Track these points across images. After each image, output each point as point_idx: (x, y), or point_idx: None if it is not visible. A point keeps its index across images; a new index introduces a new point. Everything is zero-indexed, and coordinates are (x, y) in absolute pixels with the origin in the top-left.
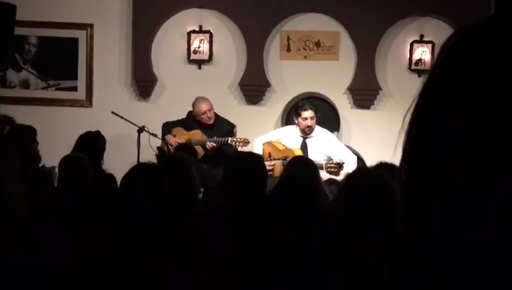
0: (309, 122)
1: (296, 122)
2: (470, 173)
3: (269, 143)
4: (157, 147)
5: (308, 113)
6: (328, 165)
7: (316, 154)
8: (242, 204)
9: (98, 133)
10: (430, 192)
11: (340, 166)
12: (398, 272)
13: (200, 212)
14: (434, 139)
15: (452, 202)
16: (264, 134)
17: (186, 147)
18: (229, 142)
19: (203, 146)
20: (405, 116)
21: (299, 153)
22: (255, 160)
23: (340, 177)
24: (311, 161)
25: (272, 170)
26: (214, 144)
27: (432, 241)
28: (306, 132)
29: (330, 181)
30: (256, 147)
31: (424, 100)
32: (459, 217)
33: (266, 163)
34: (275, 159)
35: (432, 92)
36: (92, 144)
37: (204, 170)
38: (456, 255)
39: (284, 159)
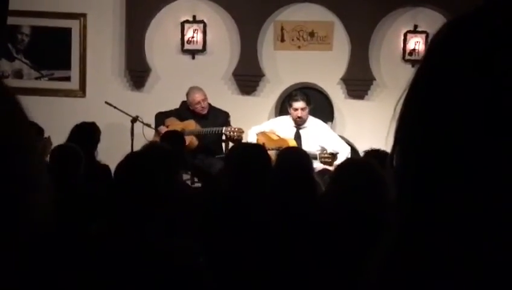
0: (299, 113)
1: (289, 112)
2: (460, 162)
3: (263, 133)
4: (150, 142)
5: (299, 104)
6: (322, 155)
7: (310, 145)
8: (244, 196)
9: (93, 124)
10: (421, 180)
11: (334, 156)
12: (394, 260)
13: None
14: (424, 131)
15: (444, 190)
16: (258, 124)
17: (173, 135)
18: (223, 132)
19: (198, 136)
20: (396, 105)
21: (293, 143)
22: (261, 152)
23: (333, 168)
24: (303, 151)
25: None
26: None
27: (427, 230)
28: (298, 123)
29: (323, 171)
30: (251, 137)
31: (415, 91)
32: (452, 205)
33: None
34: (268, 150)
35: (422, 83)
36: (86, 135)
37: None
38: (453, 242)
39: (278, 149)
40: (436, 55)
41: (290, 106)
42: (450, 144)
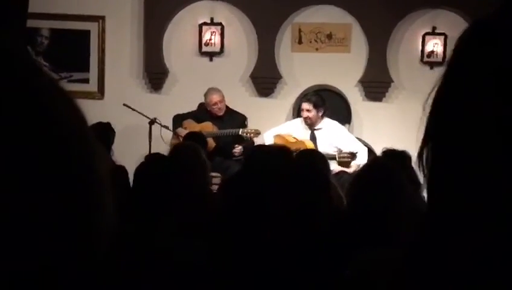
0: (304, 114)
1: None
2: (494, 160)
3: (280, 136)
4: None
5: (304, 105)
6: (341, 155)
7: (326, 146)
8: (265, 198)
9: (107, 124)
10: (454, 176)
11: (353, 155)
12: (424, 254)
13: (212, 203)
14: (457, 128)
15: (477, 186)
16: (276, 126)
17: (195, 136)
18: (240, 133)
19: (215, 138)
20: (426, 101)
21: (310, 145)
22: (287, 154)
23: (351, 170)
24: (320, 153)
25: None
26: (240, 151)
27: (459, 224)
28: (306, 123)
29: (340, 173)
30: (267, 140)
31: (447, 89)
32: (483, 200)
33: None
34: None
35: (454, 80)
36: (101, 135)
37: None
38: (485, 236)
39: (296, 151)
40: (468, 52)
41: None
42: (483, 142)
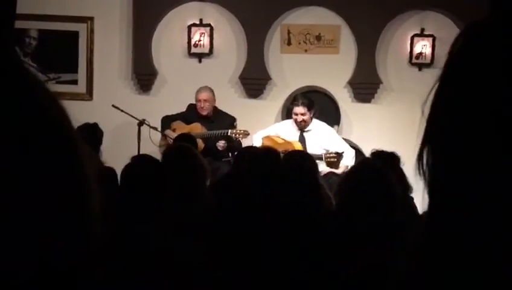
0: (299, 118)
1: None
2: (494, 161)
3: (268, 137)
4: (160, 146)
5: (298, 110)
6: (328, 155)
7: (314, 148)
8: (253, 199)
9: (95, 125)
10: (453, 178)
11: (339, 155)
12: (425, 255)
13: (207, 202)
14: (455, 130)
15: (477, 188)
16: (265, 128)
17: (186, 138)
18: (228, 134)
19: (203, 139)
20: (424, 105)
21: (298, 146)
22: (274, 155)
23: (339, 170)
24: (308, 154)
25: None
26: (224, 145)
27: (459, 224)
28: (300, 127)
29: (329, 175)
30: (256, 141)
31: (445, 92)
32: (484, 200)
33: None
34: None
35: (452, 84)
36: (88, 135)
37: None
38: (487, 235)
39: (284, 152)
40: (465, 55)
41: (291, 110)
42: (483, 143)
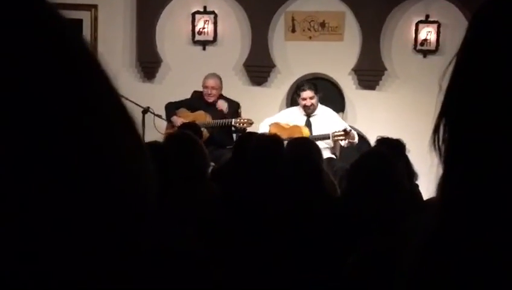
0: (308, 102)
1: (299, 103)
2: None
3: (275, 124)
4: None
5: (307, 94)
6: (335, 134)
7: (321, 132)
8: (256, 187)
9: None
10: (471, 153)
11: (346, 133)
12: (441, 236)
13: (209, 191)
14: (475, 105)
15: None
16: (269, 115)
17: (190, 127)
18: (232, 123)
19: (208, 128)
20: (442, 80)
21: (305, 130)
22: (277, 142)
23: (343, 142)
24: (312, 142)
25: None
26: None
27: (478, 200)
28: (308, 111)
29: (333, 161)
30: (263, 128)
31: (465, 66)
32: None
33: None
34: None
35: (472, 58)
36: None
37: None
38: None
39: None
40: (487, 30)
41: (299, 96)
42: (504, 117)
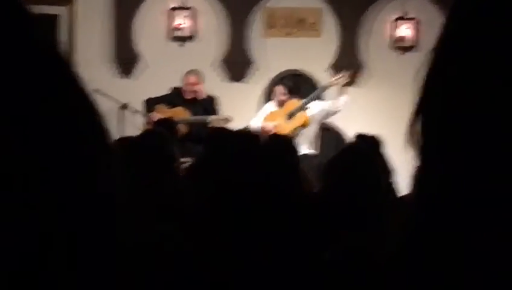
0: (279, 97)
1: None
2: (490, 132)
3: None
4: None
5: (279, 89)
6: (332, 81)
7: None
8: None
9: None
10: (446, 150)
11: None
12: (418, 234)
13: (181, 189)
14: (450, 101)
15: (471, 159)
16: (247, 111)
17: (165, 122)
18: (210, 120)
19: (187, 124)
20: (416, 76)
21: (305, 117)
22: (251, 138)
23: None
24: (291, 139)
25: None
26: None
27: (454, 198)
28: (278, 105)
29: (310, 158)
30: (255, 127)
31: (440, 62)
32: (477, 172)
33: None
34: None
35: (446, 54)
36: None
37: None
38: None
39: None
40: (464, 24)
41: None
42: (482, 112)
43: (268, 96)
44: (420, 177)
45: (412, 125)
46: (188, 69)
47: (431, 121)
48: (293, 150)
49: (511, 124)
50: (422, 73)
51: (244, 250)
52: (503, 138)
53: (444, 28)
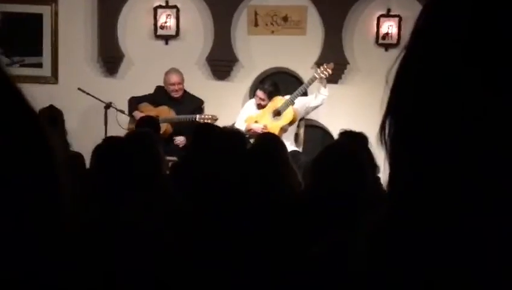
0: (257, 101)
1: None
2: (454, 126)
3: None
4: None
5: (259, 93)
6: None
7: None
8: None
9: (50, 107)
10: (416, 148)
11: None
12: (390, 229)
13: (168, 188)
14: (419, 101)
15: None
16: (232, 110)
17: (148, 121)
18: (197, 119)
19: (172, 123)
20: (387, 77)
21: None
22: (237, 135)
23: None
24: (280, 139)
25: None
26: (182, 140)
27: (424, 192)
28: (258, 108)
29: (298, 155)
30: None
31: (409, 63)
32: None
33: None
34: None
35: (415, 54)
36: (55, 121)
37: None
38: (451, 203)
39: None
40: (431, 21)
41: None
42: (450, 112)
43: (253, 95)
44: (390, 179)
45: (382, 128)
46: (171, 67)
47: (399, 125)
48: (283, 146)
49: (472, 122)
50: (394, 72)
51: (230, 245)
52: (465, 136)
53: (414, 25)
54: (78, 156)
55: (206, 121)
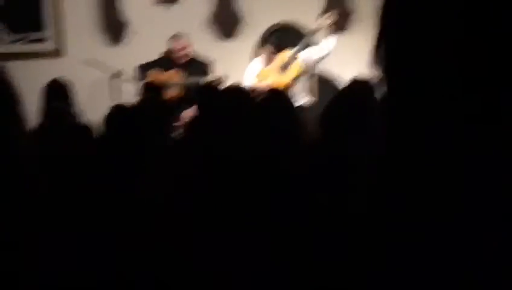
0: (264, 57)
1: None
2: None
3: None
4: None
5: (265, 49)
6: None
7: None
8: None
9: (54, 80)
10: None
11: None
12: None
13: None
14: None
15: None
16: (239, 68)
17: (153, 87)
18: (203, 82)
19: (181, 87)
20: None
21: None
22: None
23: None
24: (286, 94)
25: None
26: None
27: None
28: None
29: (304, 108)
30: (248, 82)
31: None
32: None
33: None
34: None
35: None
36: (56, 93)
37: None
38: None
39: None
40: None
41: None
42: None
43: (258, 52)
44: (387, 89)
45: (376, 49)
46: (175, 32)
47: (390, 42)
48: (292, 104)
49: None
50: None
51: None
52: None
53: None
54: (87, 128)
55: (215, 81)
